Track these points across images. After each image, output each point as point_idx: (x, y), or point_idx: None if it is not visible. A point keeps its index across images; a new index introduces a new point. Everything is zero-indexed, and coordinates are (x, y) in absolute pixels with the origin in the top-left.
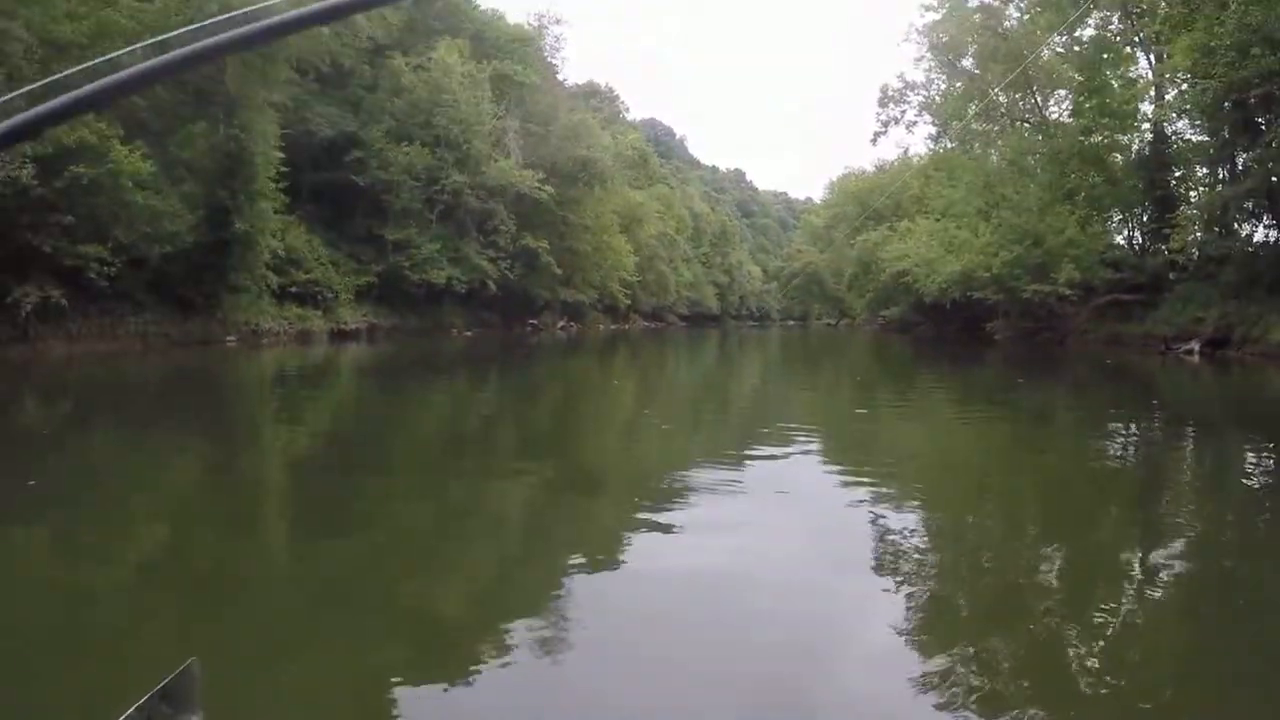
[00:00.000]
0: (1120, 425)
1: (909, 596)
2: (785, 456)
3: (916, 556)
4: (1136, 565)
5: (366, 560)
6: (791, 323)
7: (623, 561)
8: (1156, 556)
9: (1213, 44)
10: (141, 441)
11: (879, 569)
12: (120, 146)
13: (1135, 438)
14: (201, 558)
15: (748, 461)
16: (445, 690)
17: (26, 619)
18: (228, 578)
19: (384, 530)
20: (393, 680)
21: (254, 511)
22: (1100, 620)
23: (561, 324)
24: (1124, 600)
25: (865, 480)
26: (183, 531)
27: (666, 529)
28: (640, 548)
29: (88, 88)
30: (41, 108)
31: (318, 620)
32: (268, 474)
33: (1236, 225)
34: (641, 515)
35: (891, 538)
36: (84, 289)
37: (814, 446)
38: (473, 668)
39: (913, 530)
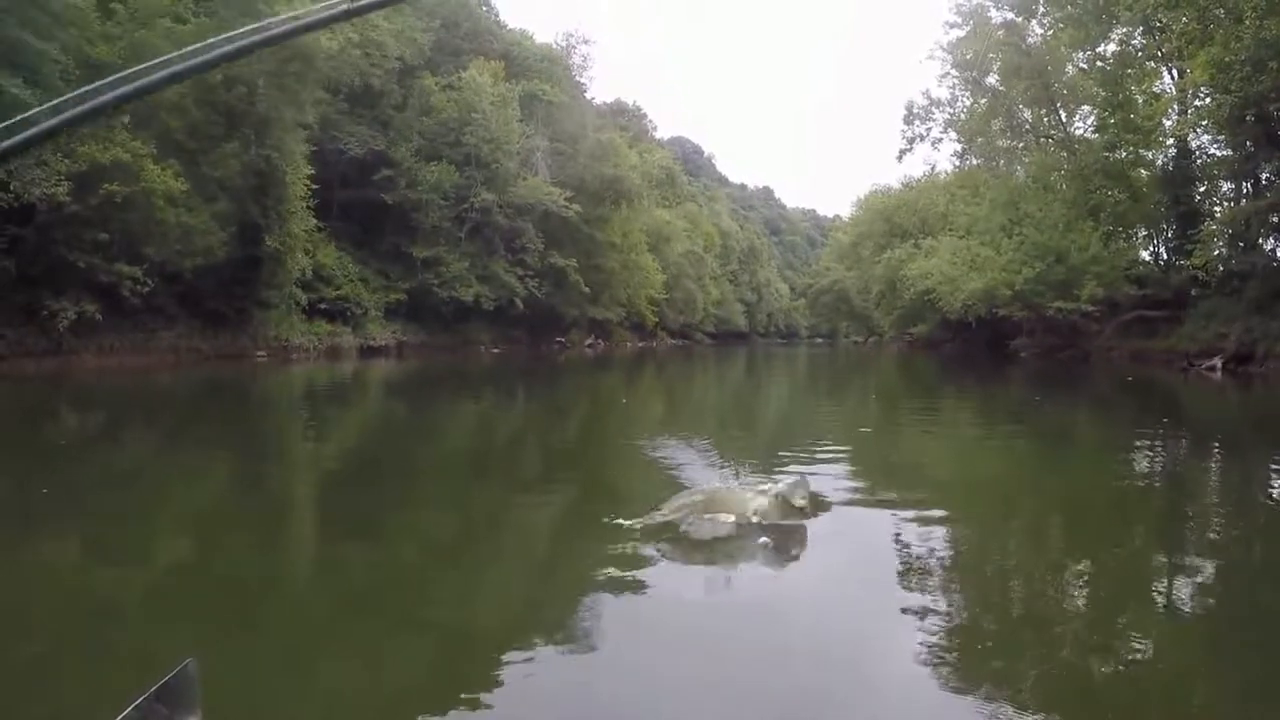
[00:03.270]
0: (1138, 444)
1: (936, 617)
2: (809, 475)
3: (942, 577)
4: (1163, 591)
5: (389, 572)
6: (820, 340)
7: (648, 577)
8: (1184, 583)
9: (1228, 59)
10: (164, 452)
11: (904, 588)
12: (152, 165)
13: (1153, 457)
14: (217, 564)
15: (775, 480)
16: (460, 706)
17: (29, 621)
18: (245, 586)
19: (408, 542)
20: (412, 691)
21: (274, 522)
22: (1130, 650)
23: (589, 341)
24: (1152, 627)
25: (889, 500)
26: (197, 539)
27: (693, 544)
28: (666, 565)
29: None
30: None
31: (337, 630)
32: (290, 486)
33: (1260, 240)
34: (668, 532)
35: (917, 558)
36: (118, 303)
37: (839, 466)
38: (493, 683)
39: (938, 551)
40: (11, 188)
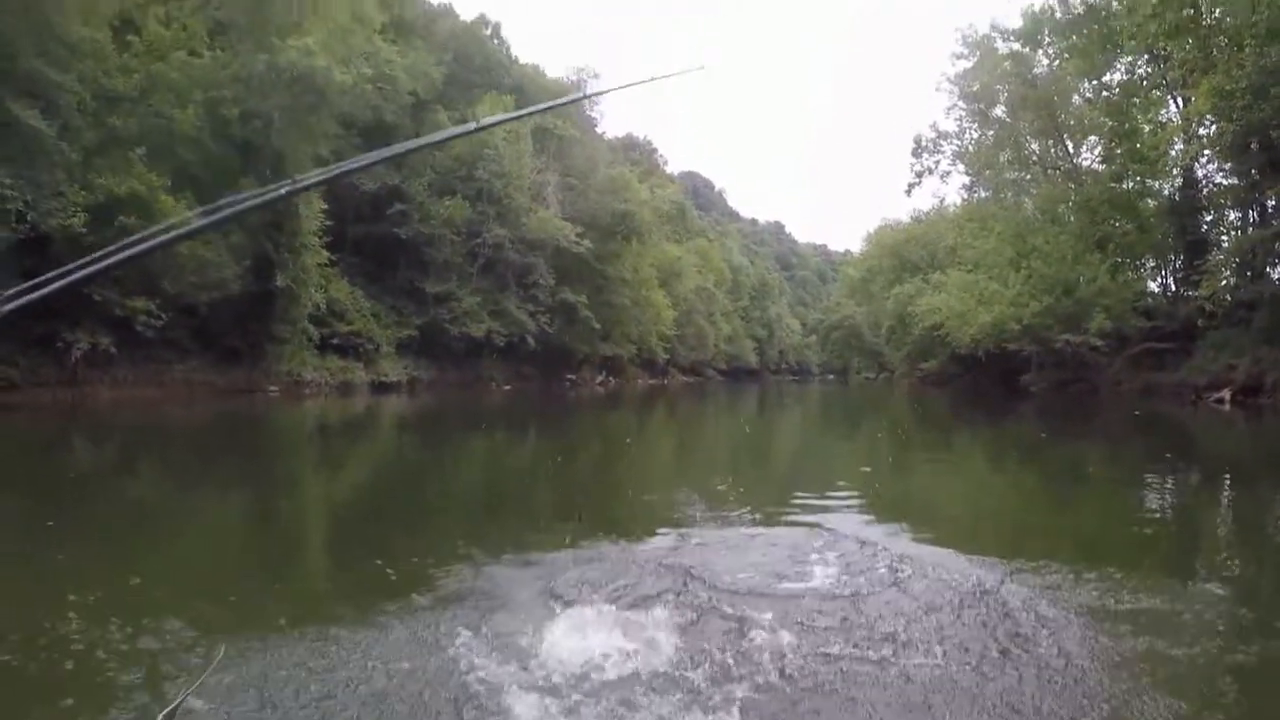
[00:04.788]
0: (1147, 481)
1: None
2: (819, 512)
3: (951, 617)
4: (1175, 630)
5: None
6: (831, 377)
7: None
8: (1200, 623)
9: (1229, 87)
10: (170, 487)
11: (914, 638)
12: (166, 197)
13: (1160, 495)
14: (207, 601)
15: (786, 518)
16: None
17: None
18: (225, 626)
19: (419, 591)
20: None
21: (263, 561)
22: (1146, 692)
23: (599, 379)
24: (1168, 665)
25: (902, 537)
26: (191, 575)
27: (704, 584)
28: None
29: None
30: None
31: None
32: (285, 525)
33: (1268, 269)
34: (678, 578)
35: (931, 597)
36: (132, 336)
37: (850, 507)
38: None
39: (954, 594)
40: (29, 219)
